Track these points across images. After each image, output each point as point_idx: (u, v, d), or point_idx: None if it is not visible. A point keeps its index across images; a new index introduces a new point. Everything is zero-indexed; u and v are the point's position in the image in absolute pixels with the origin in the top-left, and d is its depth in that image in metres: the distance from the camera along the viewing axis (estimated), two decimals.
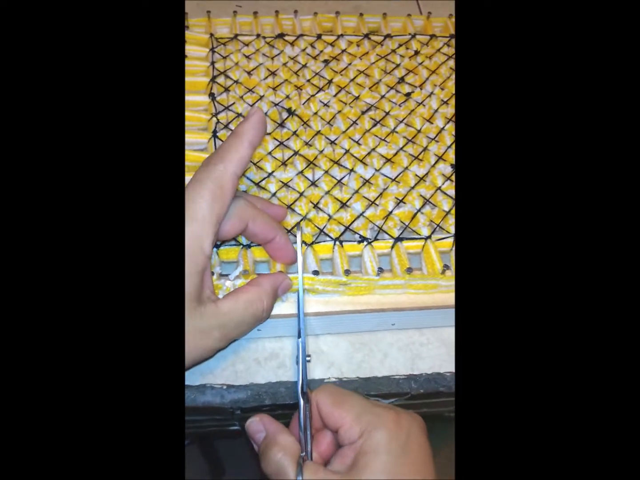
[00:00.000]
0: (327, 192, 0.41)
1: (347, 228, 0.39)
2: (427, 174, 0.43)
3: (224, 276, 0.35)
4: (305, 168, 0.42)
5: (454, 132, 0.46)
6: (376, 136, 0.45)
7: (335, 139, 0.44)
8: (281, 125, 0.45)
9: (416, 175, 0.42)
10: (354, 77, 0.49)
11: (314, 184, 0.41)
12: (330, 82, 0.49)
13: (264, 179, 0.41)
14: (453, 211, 0.40)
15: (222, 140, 0.42)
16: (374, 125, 0.46)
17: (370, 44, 0.53)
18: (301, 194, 0.40)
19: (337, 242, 0.38)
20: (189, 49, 0.49)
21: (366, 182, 0.42)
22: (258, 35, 0.52)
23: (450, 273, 0.37)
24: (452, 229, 0.40)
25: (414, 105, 0.48)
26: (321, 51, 0.51)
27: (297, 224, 0.38)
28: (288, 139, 0.44)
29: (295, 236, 0.36)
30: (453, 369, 0.37)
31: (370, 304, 0.36)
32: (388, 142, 0.45)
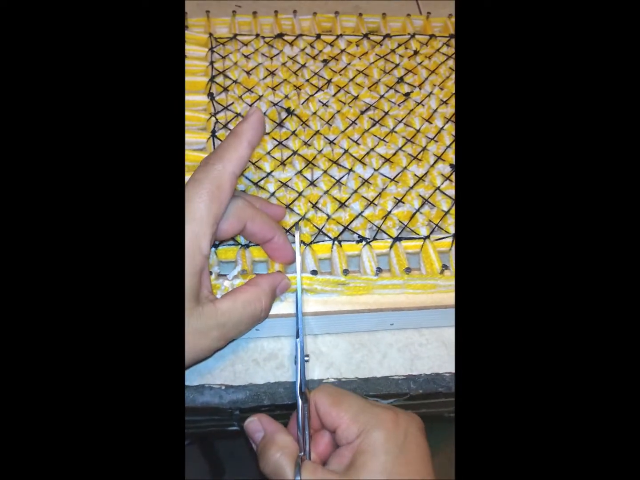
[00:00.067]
0: (326, 192, 0.41)
1: (345, 228, 0.39)
2: (426, 173, 0.43)
3: (222, 276, 0.35)
4: (304, 168, 0.42)
5: (453, 132, 0.46)
6: (375, 136, 0.45)
7: (334, 139, 0.44)
8: (280, 125, 0.45)
9: (415, 175, 0.42)
10: (353, 77, 0.49)
11: (312, 183, 0.41)
12: (329, 81, 0.49)
13: (262, 178, 0.41)
14: (452, 211, 0.40)
15: (220, 140, 0.42)
16: (373, 125, 0.46)
17: (369, 43, 0.53)
18: (300, 194, 0.40)
19: (336, 242, 0.38)
20: (188, 48, 0.49)
21: (365, 181, 0.42)
22: (257, 35, 0.52)
23: (449, 273, 0.37)
24: (451, 229, 0.39)
25: (413, 105, 0.48)
26: (320, 51, 0.51)
27: (296, 224, 0.38)
28: (287, 138, 0.44)
29: (294, 236, 0.36)
30: (452, 370, 0.37)
31: (369, 303, 0.36)
32: (387, 142, 0.44)
